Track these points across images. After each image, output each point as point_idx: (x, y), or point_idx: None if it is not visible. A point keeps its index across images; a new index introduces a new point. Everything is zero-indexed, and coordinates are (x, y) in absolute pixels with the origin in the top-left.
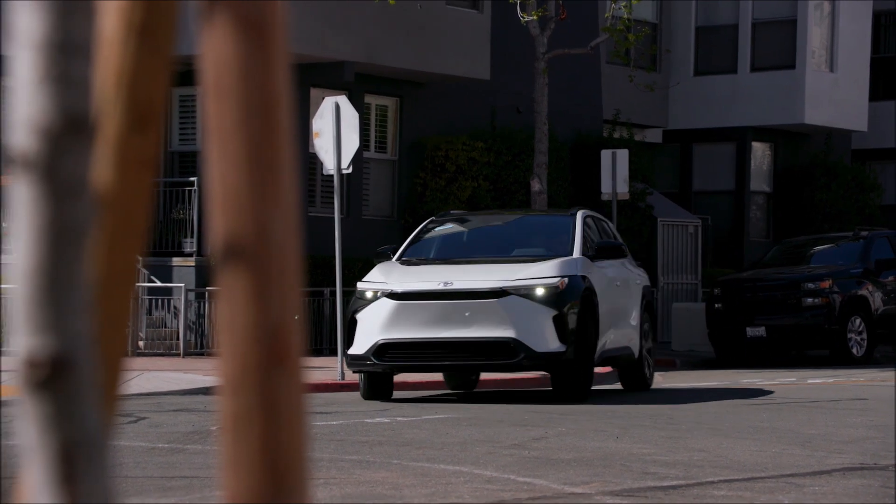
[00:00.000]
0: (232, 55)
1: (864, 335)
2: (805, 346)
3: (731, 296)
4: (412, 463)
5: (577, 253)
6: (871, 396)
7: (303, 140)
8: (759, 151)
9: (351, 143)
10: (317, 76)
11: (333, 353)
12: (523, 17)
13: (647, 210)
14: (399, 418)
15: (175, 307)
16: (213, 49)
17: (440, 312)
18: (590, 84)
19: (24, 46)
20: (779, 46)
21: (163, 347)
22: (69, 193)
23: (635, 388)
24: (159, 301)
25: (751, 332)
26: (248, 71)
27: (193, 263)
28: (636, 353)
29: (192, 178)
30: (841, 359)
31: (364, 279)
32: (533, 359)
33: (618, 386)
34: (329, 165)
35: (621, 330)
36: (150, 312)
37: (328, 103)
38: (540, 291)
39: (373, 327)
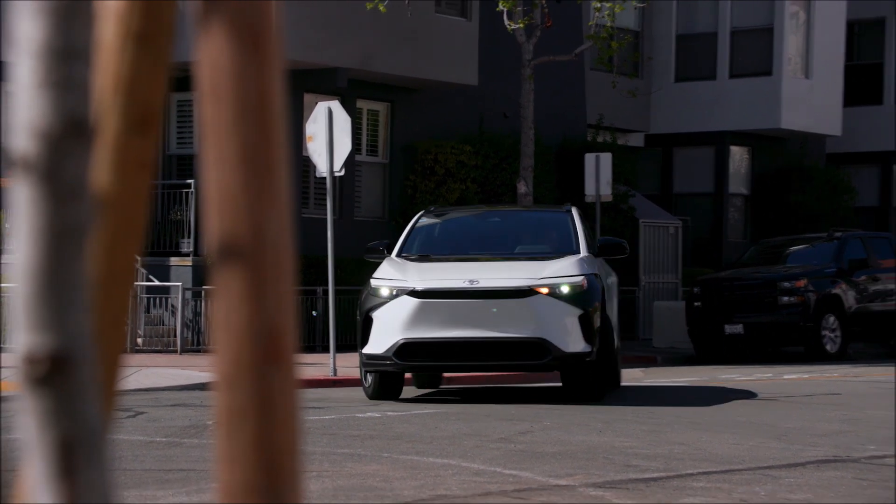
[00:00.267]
0: (228, 60)
1: (838, 332)
2: (781, 343)
3: (711, 294)
4: (402, 456)
5: (583, 251)
6: (844, 391)
7: (296, 143)
8: (738, 155)
9: (343, 147)
10: (310, 82)
11: (326, 349)
12: (510, 25)
13: (630, 211)
14: (389, 413)
15: (172, 305)
16: (210, 54)
17: (465, 311)
18: (574, 90)
19: (24, 52)
20: (756, 54)
21: (160, 344)
22: (69, 195)
23: (609, 384)
24: (157, 299)
25: (729, 329)
26: (243, 76)
27: (190, 263)
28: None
29: (189, 181)
30: (816, 355)
31: (376, 275)
32: (560, 359)
33: None
34: (322, 168)
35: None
36: (148, 310)
37: (321, 108)
38: (566, 290)
39: (392, 326)
